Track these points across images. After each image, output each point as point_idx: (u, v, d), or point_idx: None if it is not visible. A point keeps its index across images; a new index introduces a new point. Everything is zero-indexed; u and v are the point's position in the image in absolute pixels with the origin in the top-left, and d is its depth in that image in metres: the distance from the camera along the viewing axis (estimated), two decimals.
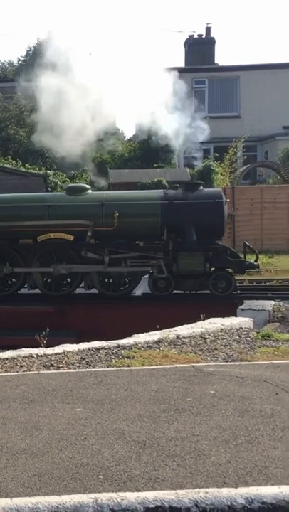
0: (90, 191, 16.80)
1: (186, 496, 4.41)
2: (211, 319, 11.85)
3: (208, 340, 10.45)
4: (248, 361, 8.76)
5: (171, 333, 10.63)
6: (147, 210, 15.97)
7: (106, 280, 16.43)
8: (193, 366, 8.18)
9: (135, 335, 10.52)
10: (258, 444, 5.39)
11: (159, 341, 10.01)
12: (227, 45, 76.59)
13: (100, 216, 15.98)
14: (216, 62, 43.91)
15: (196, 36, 44.05)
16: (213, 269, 15.82)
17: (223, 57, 64.58)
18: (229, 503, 4.40)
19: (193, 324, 11.47)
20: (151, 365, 8.42)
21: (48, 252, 16.30)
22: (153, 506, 4.33)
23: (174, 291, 15.97)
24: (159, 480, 4.69)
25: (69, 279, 16.54)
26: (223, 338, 10.59)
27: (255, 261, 16.23)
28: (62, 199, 16.52)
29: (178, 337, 10.43)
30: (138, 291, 16.64)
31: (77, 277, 16.36)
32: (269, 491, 4.51)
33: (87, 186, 17.22)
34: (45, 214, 16.17)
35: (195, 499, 4.40)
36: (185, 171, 33.96)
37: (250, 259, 16.40)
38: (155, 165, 33.58)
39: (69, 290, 16.52)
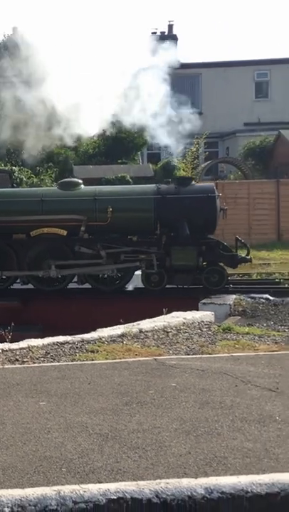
0: (82, 186, 16.67)
1: (147, 486, 4.44)
2: (174, 313, 11.91)
3: (170, 333, 10.50)
4: (209, 354, 8.84)
5: (134, 327, 10.67)
6: (140, 204, 15.91)
7: (99, 275, 16.28)
8: (155, 359, 8.23)
9: (99, 329, 10.54)
10: (217, 435, 5.44)
11: (122, 335, 10.05)
12: (189, 42, 76.65)
13: (93, 211, 15.88)
14: (179, 59, 43.92)
15: (158, 33, 44.05)
16: (205, 263, 15.75)
17: (185, 54, 64.73)
18: (189, 493, 4.44)
19: (156, 318, 11.53)
20: (115, 359, 8.45)
21: (41, 247, 16.14)
22: (115, 498, 4.36)
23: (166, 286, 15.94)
24: (121, 471, 4.72)
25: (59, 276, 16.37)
26: (185, 332, 10.66)
27: (247, 255, 16.19)
28: (56, 194, 16.40)
29: (141, 331, 10.47)
30: (130, 286, 16.54)
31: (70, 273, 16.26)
32: (228, 481, 4.56)
33: (80, 181, 17.06)
34: (39, 209, 16.02)
35: (156, 490, 4.44)
36: (148, 167, 34.01)
37: (242, 253, 16.39)
38: (119, 161, 33.58)
39: (62, 286, 16.39)
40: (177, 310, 12.16)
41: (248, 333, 10.58)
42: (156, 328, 10.74)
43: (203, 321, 11.59)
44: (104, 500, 4.33)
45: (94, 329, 10.56)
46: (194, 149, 34.13)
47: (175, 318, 11.55)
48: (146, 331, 10.48)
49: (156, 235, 15.77)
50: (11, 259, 16.29)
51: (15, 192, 17.05)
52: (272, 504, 4.48)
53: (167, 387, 6.87)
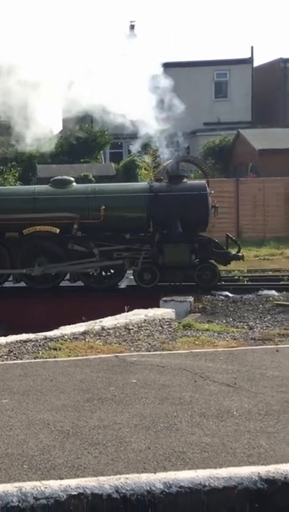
0: (74, 184, 16.55)
1: (107, 482, 4.47)
2: (135, 311, 11.95)
3: (132, 331, 10.54)
4: (170, 351, 8.89)
5: (96, 324, 10.69)
6: (133, 202, 15.83)
7: (91, 273, 16.16)
8: (116, 356, 8.26)
9: (62, 327, 10.54)
10: (176, 430, 5.49)
11: (84, 333, 10.06)
12: (150, 42, 76.62)
13: (86, 209, 15.78)
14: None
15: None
16: (197, 260, 15.68)
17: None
18: (148, 488, 4.47)
19: (118, 316, 11.56)
20: (77, 356, 8.47)
21: (34, 245, 15.98)
22: (75, 493, 4.38)
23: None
24: (82, 467, 4.74)
25: (53, 273, 16.28)
26: (147, 329, 10.71)
27: (238, 252, 16.15)
28: (48, 192, 16.22)
29: (103, 328, 10.50)
30: (123, 284, 16.43)
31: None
32: (186, 476, 4.60)
33: (72, 179, 16.91)
34: (31, 207, 15.87)
35: (116, 485, 4.46)
36: (110, 166, 34.04)
37: (232, 250, 16.37)
38: (82, 160, 33.55)
39: (54, 283, 16.27)
40: (139, 307, 12.20)
41: (207, 330, 10.65)
42: (118, 325, 10.77)
43: (164, 318, 11.65)
44: (65, 496, 4.35)
45: (57, 327, 10.56)
46: (156, 148, 34.23)
47: (137, 315, 11.60)
48: (109, 329, 10.51)
49: (149, 232, 15.70)
50: (4, 258, 16.10)
51: (7, 190, 16.85)
52: (229, 497, 4.53)
53: (128, 383, 6.91)
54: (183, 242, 15.48)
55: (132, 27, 44.53)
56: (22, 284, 16.39)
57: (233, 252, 16.25)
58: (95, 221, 15.67)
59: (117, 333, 10.27)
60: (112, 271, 16.35)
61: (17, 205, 15.93)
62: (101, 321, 10.95)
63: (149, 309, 12.17)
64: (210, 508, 4.52)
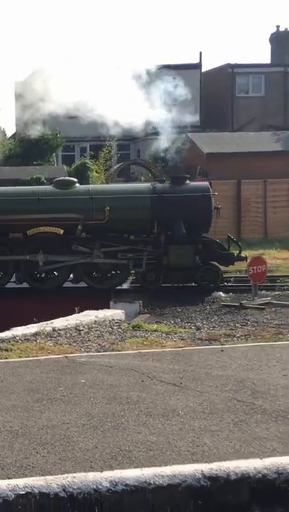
0: (77, 185, 16.27)
1: (54, 481, 4.49)
2: (86, 312, 11.96)
3: (82, 331, 10.56)
4: (119, 351, 8.92)
5: (47, 325, 10.67)
6: (137, 203, 15.58)
7: (94, 273, 15.93)
8: (66, 357, 8.27)
9: (13, 328, 10.49)
10: (123, 429, 5.53)
11: (36, 334, 10.05)
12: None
13: (90, 210, 15.49)
14: None
15: None
16: (200, 262, 15.46)
17: None
18: (95, 486, 4.51)
19: (69, 317, 11.55)
20: (28, 357, 8.46)
21: (38, 246, 15.61)
22: (23, 493, 4.40)
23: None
24: (30, 467, 4.76)
25: (56, 273, 16.05)
26: (97, 330, 10.73)
27: (239, 253, 15.90)
28: (52, 192, 15.90)
29: (54, 329, 10.49)
30: (125, 285, 16.15)
31: (65, 271, 15.86)
32: (132, 474, 4.64)
33: (75, 180, 16.64)
34: (36, 207, 15.53)
35: (63, 484, 4.49)
36: (62, 169, 33.91)
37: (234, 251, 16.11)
38: (34, 162, 33.38)
39: (57, 283, 16.00)
40: (90, 309, 12.21)
41: (156, 331, 10.71)
42: (68, 326, 10.77)
43: (114, 319, 11.68)
44: (12, 496, 4.36)
45: (8, 328, 10.52)
46: (106, 151, 34.25)
47: (87, 316, 11.61)
48: (60, 330, 10.51)
49: (153, 233, 15.50)
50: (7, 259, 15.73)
51: (11, 190, 16.53)
52: (174, 495, 4.59)
53: (77, 383, 6.93)
54: (187, 244, 15.30)
55: None
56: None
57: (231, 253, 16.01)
58: (99, 222, 15.41)
59: (68, 334, 10.27)
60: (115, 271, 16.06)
61: (21, 205, 15.58)
62: (52, 322, 10.93)
63: (100, 310, 12.19)
64: (155, 505, 4.58)
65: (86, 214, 15.45)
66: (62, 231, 15.48)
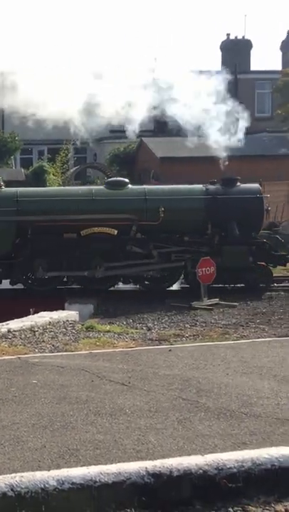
0: (130, 185, 16.00)
1: (2, 481, 4.49)
2: (41, 313, 11.93)
3: (37, 332, 10.55)
4: (72, 352, 8.94)
5: (3, 327, 10.64)
6: (191, 204, 15.45)
7: (145, 275, 15.65)
8: (19, 358, 8.25)
9: None
10: (72, 428, 5.55)
11: None
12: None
13: (144, 210, 15.28)
14: None
15: None
16: (253, 263, 15.40)
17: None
18: (42, 485, 4.51)
19: (24, 318, 11.53)
20: None
21: (91, 246, 15.29)
22: None
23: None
24: None
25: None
26: (51, 331, 10.73)
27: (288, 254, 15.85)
28: (106, 193, 15.61)
29: (9, 331, 10.46)
30: (175, 285, 15.91)
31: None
32: (78, 472, 4.66)
33: (127, 180, 16.35)
34: (90, 208, 15.22)
35: (11, 484, 4.49)
36: (20, 172, 33.74)
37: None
38: None
39: (109, 286, 15.71)
40: (45, 310, 12.19)
41: (108, 331, 10.75)
42: (23, 327, 10.75)
43: (68, 320, 11.68)
44: None
45: None
46: (63, 155, 34.18)
47: (42, 317, 11.59)
48: (15, 331, 10.48)
49: (207, 234, 15.38)
50: (60, 259, 15.39)
51: (65, 191, 16.17)
52: (119, 492, 4.63)
53: (29, 384, 6.92)
54: (242, 245, 15.24)
55: None
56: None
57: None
58: (153, 223, 15.21)
59: (23, 335, 10.25)
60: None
61: (75, 206, 15.30)
62: (7, 324, 10.90)
63: (54, 312, 12.19)
64: (101, 502, 4.61)
65: (140, 215, 15.26)
66: (116, 232, 15.23)
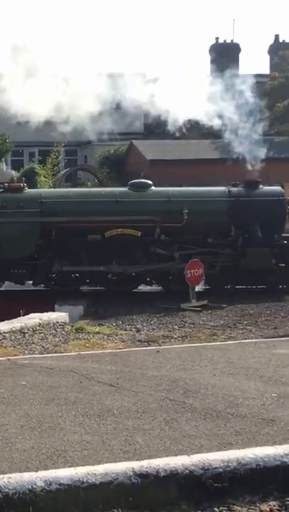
0: (153, 187, 15.94)
1: None
2: (31, 314, 11.90)
3: (27, 334, 10.54)
4: (61, 353, 8.95)
5: None
6: (215, 206, 15.41)
7: (170, 277, 15.60)
8: (8, 359, 8.25)
9: None
10: (60, 429, 5.56)
11: None
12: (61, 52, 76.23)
13: (167, 212, 15.25)
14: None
15: None
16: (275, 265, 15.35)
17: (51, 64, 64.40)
18: (30, 486, 4.52)
19: (14, 320, 11.49)
20: None
21: (115, 247, 15.23)
22: None
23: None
24: None
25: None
26: (41, 333, 10.72)
27: None
28: (129, 195, 15.56)
29: None
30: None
31: (141, 274, 15.55)
32: (66, 473, 4.66)
33: (150, 182, 16.25)
34: (114, 209, 15.15)
35: None
36: (11, 173, 33.68)
37: None
38: None
39: (132, 287, 15.67)
40: (35, 311, 12.18)
41: (98, 333, 10.77)
42: (13, 329, 10.72)
43: (58, 322, 11.65)
44: None
45: None
46: (53, 157, 34.15)
47: (32, 319, 11.56)
48: (4, 333, 10.45)
49: (230, 236, 15.35)
50: (83, 261, 15.30)
51: (89, 192, 16.14)
52: (106, 492, 4.64)
53: (17, 385, 6.93)
54: (265, 247, 15.20)
55: None
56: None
57: None
58: (177, 225, 15.19)
59: (13, 337, 10.24)
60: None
61: (99, 207, 15.23)
62: None
63: (44, 313, 12.17)
64: (88, 503, 4.62)
65: (164, 217, 15.24)
66: (139, 233, 15.19)
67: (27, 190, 15.96)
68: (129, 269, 15.31)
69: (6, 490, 4.47)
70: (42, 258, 15.25)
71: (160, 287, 15.82)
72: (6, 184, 15.66)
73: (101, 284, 15.68)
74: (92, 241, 15.18)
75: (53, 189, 16.63)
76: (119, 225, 15.18)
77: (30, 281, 15.71)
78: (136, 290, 15.67)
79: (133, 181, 16.44)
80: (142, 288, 15.69)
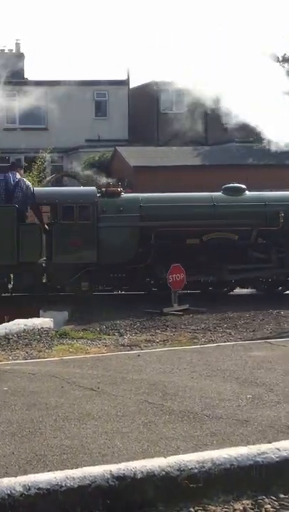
0: (247, 192, 15.85)
1: None
2: (16, 320, 11.87)
3: (11, 340, 10.53)
4: (44, 358, 8.96)
5: None
6: None
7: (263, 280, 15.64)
8: None
9: None
10: (40, 434, 5.59)
11: None
12: (35, 60, 76.38)
13: (264, 216, 15.18)
14: (26, 76, 43.71)
15: (6, 51, 43.71)
16: None
17: (31, 72, 64.75)
18: (9, 491, 4.54)
19: None
20: None
21: (213, 251, 15.08)
22: None
23: None
24: None
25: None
26: (25, 338, 10.71)
27: None
28: (225, 199, 15.46)
29: None
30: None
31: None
32: (45, 477, 4.70)
33: (244, 187, 16.06)
34: (212, 213, 15.07)
35: None
36: None
37: None
38: None
39: (227, 290, 15.57)
40: (19, 317, 12.16)
41: (82, 338, 10.75)
42: None
43: (42, 328, 11.64)
44: None
45: None
46: (39, 163, 34.14)
47: (16, 325, 11.56)
48: None
49: None
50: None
51: (187, 197, 16.12)
52: (84, 495, 4.67)
53: None
54: None
55: (18, 45, 44.27)
56: None
57: None
58: (273, 228, 15.12)
59: None
60: None
61: (198, 211, 15.16)
62: None
63: (29, 319, 12.15)
64: (66, 506, 4.65)
65: (260, 220, 15.20)
66: (236, 237, 15.14)
67: (126, 194, 15.90)
68: (234, 277, 15.39)
69: None
70: (141, 262, 15.07)
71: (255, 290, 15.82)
72: (103, 189, 15.62)
73: (198, 288, 15.49)
74: (191, 245, 15.15)
75: (150, 194, 16.46)
76: (216, 229, 15.17)
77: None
78: (117, 294, 15.67)
79: (228, 186, 16.33)
80: (125, 292, 15.69)
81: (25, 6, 78.31)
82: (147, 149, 34.04)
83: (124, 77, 42.00)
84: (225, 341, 9.95)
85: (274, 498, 4.72)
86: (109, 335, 11.23)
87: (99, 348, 9.94)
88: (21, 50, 44.46)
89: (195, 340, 10.03)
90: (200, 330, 11.02)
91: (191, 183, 23.46)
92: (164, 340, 10.34)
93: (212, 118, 40.64)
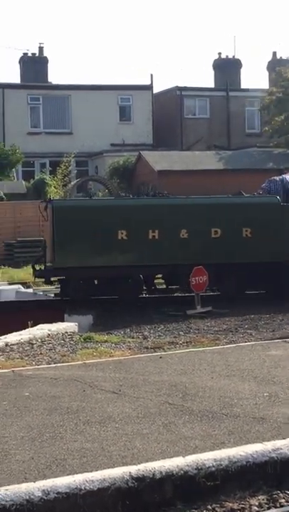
0: None
1: None
2: (40, 325, 11.90)
3: (35, 345, 10.55)
4: (68, 363, 8.96)
5: (0, 341, 10.64)
6: None
7: None
8: (12, 371, 8.26)
9: None
10: (60, 438, 5.57)
11: None
12: (59, 64, 76.98)
13: None
14: (49, 80, 43.96)
15: (30, 54, 43.97)
16: None
17: (56, 75, 65.27)
18: (27, 497, 4.51)
19: (22, 331, 11.50)
20: None
21: None
22: None
23: None
24: None
25: None
26: (49, 343, 10.72)
27: None
28: None
29: (7, 344, 10.43)
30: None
31: None
32: (64, 482, 4.67)
33: None
34: None
35: None
36: (21, 184, 33.88)
37: None
38: None
39: None
40: (44, 322, 12.20)
41: (106, 341, 10.77)
42: (21, 340, 10.73)
43: (67, 332, 11.66)
44: None
45: None
46: (64, 167, 34.30)
47: (40, 330, 11.57)
48: (12, 344, 10.45)
49: None
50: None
51: None
52: (103, 498, 4.66)
53: (20, 396, 6.94)
54: None
55: (41, 49, 44.47)
56: None
57: None
58: None
59: (21, 349, 10.24)
60: None
61: None
62: (5, 337, 10.89)
63: (53, 324, 12.18)
64: (85, 509, 4.64)
65: None
66: None
67: None
68: None
69: (3, 502, 4.47)
70: None
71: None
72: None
73: None
74: None
75: None
76: None
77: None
78: (143, 297, 15.66)
79: None
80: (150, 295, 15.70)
81: (49, 9, 79.02)
82: (171, 153, 34.24)
83: (147, 82, 42.11)
84: (245, 341, 9.96)
85: (288, 492, 4.74)
86: (133, 338, 11.24)
87: (123, 351, 9.94)
88: (45, 54, 44.70)
89: (217, 342, 10.02)
90: (222, 331, 11.02)
91: (216, 186, 23.76)
92: (186, 342, 10.34)
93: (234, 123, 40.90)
